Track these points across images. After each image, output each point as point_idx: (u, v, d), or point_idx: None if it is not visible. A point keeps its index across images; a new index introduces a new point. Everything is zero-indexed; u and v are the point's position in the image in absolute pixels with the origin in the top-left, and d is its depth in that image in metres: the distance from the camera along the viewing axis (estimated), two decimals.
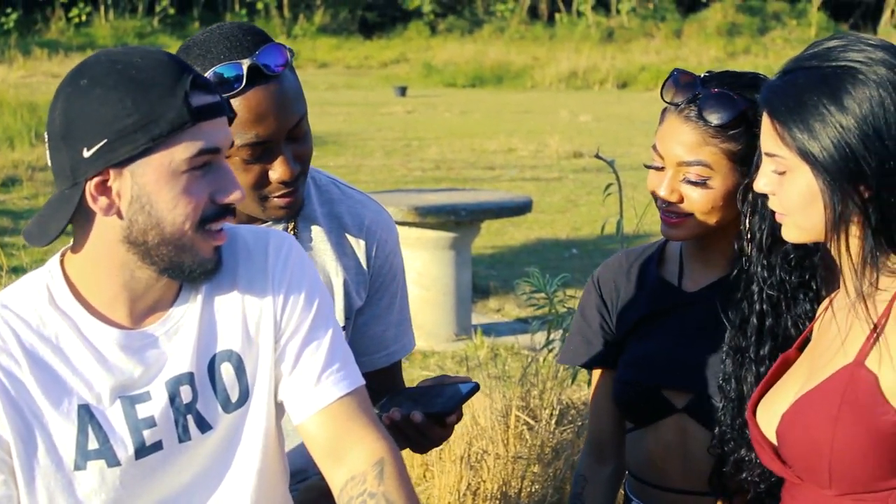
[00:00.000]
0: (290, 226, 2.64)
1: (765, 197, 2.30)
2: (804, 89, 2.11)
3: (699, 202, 2.55)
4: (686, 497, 2.68)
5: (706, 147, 2.53)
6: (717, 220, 2.57)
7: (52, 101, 2.07)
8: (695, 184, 2.55)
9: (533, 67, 28.85)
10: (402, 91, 25.41)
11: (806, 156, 2.09)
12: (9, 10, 34.79)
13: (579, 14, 36.60)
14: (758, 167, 2.30)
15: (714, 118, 2.52)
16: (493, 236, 10.67)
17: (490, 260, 10.38)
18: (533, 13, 38.04)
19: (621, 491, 2.90)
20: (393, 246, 2.75)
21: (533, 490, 4.88)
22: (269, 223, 2.59)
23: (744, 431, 2.47)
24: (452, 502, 4.79)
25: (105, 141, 1.99)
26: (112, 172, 2.02)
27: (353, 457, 2.16)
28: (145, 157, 2.02)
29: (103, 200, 2.03)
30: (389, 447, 2.18)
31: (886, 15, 34.40)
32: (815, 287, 2.45)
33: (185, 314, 2.16)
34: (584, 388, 5.73)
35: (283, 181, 2.50)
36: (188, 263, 2.09)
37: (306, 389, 2.18)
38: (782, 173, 2.14)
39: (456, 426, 2.59)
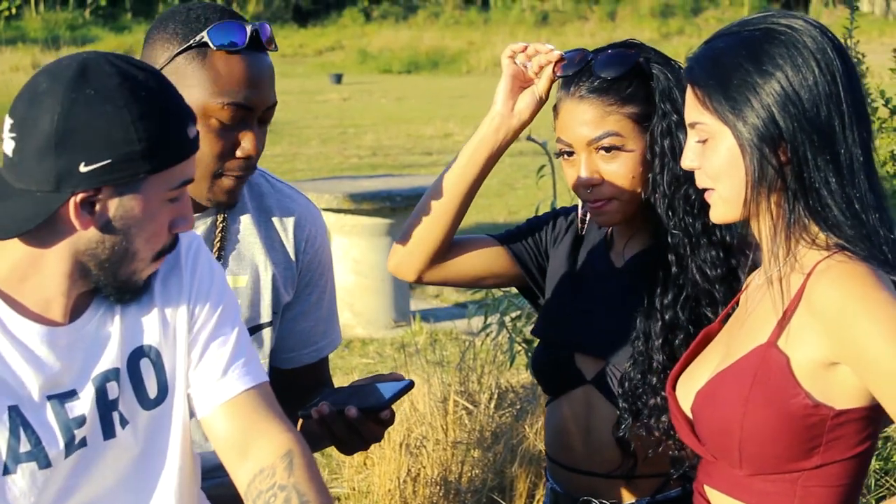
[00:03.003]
0: (220, 218, 2.60)
1: (670, 142, 2.40)
2: (723, 52, 2.10)
3: (620, 173, 2.53)
4: (590, 479, 2.65)
5: (609, 117, 2.52)
6: (639, 190, 2.56)
7: (35, 95, 1.98)
8: (610, 156, 2.53)
9: (468, 52, 28.86)
10: (338, 78, 25.34)
11: (725, 118, 2.07)
12: None
13: None
14: (660, 119, 2.41)
15: (609, 73, 2.51)
16: None
17: None
18: None
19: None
20: (322, 241, 2.73)
21: (473, 475, 4.89)
22: (204, 213, 2.57)
23: (654, 386, 2.51)
24: (393, 489, 4.78)
25: (108, 161, 1.95)
26: (104, 192, 1.98)
27: (259, 450, 2.13)
28: (139, 184, 1.99)
29: (85, 216, 1.98)
30: (296, 439, 2.16)
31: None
32: (721, 234, 2.50)
33: (109, 309, 2.13)
34: (523, 371, 5.74)
35: (247, 156, 2.48)
36: (124, 282, 2.08)
37: (212, 382, 2.16)
38: (705, 142, 2.11)
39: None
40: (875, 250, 2.04)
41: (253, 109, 2.47)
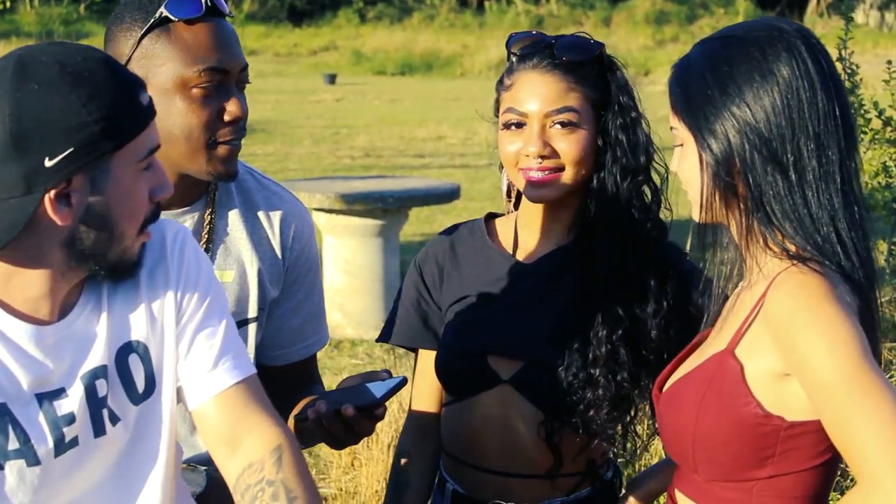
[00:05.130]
0: (208, 212, 2.61)
1: (627, 137, 2.53)
2: (692, 61, 2.13)
3: (572, 149, 2.55)
4: (506, 479, 2.64)
5: (570, 94, 2.55)
6: (583, 173, 2.58)
7: None
8: (565, 131, 2.55)
9: (462, 55, 28.84)
10: (332, 79, 25.32)
11: (689, 127, 2.11)
12: None
13: (509, 2, 36.62)
14: (618, 112, 2.55)
15: (575, 55, 2.55)
16: (422, 224, 10.64)
17: (419, 247, 10.25)
18: (462, 1, 38.02)
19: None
20: (309, 237, 2.74)
21: None
22: (191, 208, 2.57)
23: (594, 379, 2.53)
24: (380, 490, 4.78)
25: (71, 150, 1.93)
26: (76, 181, 1.96)
27: (249, 444, 2.13)
28: (106, 164, 1.98)
29: (63, 209, 1.97)
30: (286, 434, 2.16)
31: (812, 4, 34.71)
32: (654, 234, 2.61)
33: (95, 306, 2.12)
34: None
35: (235, 118, 2.50)
36: (116, 262, 2.07)
37: (201, 374, 2.16)
38: (681, 146, 2.15)
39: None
40: (833, 260, 2.05)
41: (229, 72, 2.50)
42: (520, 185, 2.60)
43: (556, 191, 2.58)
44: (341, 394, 2.49)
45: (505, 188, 2.76)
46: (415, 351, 2.81)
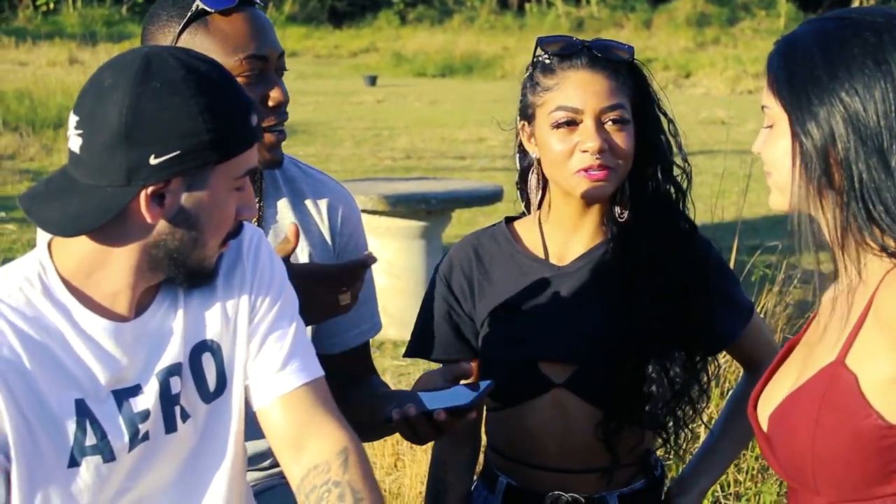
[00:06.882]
0: (256, 201, 2.64)
1: (666, 139, 2.54)
2: (801, 39, 2.03)
3: (625, 145, 2.57)
4: (562, 475, 2.65)
5: (619, 91, 2.58)
6: (628, 172, 2.60)
7: (102, 90, 1.99)
8: (617, 128, 2.56)
9: (503, 57, 28.80)
10: (372, 80, 25.33)
11: (786, 108, 2.00)
12: None
13: (549, 4, 36.56)
14: (655, 115, 2.56)
15: (613, 55, 2.58)
16: (464, 226, 10.62)
17: None
18: (503, 3, 37.97)
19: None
20: (356, 223, 2.77)
21: None
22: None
23: (645, 376, 2.55)
24: (424, 491, 4.78)
25: (178, 153, 1.97)
26: (174, 183, 2.00)
27: (315, 446, 2.15)
28: (206, 173, 2.02)
29: (155, 208, 2.01)
30: (351, 437, 2.18)
31: (855, 4, 34.54)
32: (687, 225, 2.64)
33: (172, 304, 2.15)
34: None
35: (279, 103, 2.55)
36: (195, 269, 2.11)
37: (269, 375, 2.18)
38: (771, 127, 2.06)
39: None
40: None
41: (268, 59, 2.55)
42: (569, 183, 2.59)
43: (611, 187, 2.59)
44: (430, 397, 2.47)
45: (526, 191, 2.74)
46: (442, 363, 2.80)
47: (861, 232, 1.96)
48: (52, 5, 35.50)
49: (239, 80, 2.47)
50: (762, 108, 2.10)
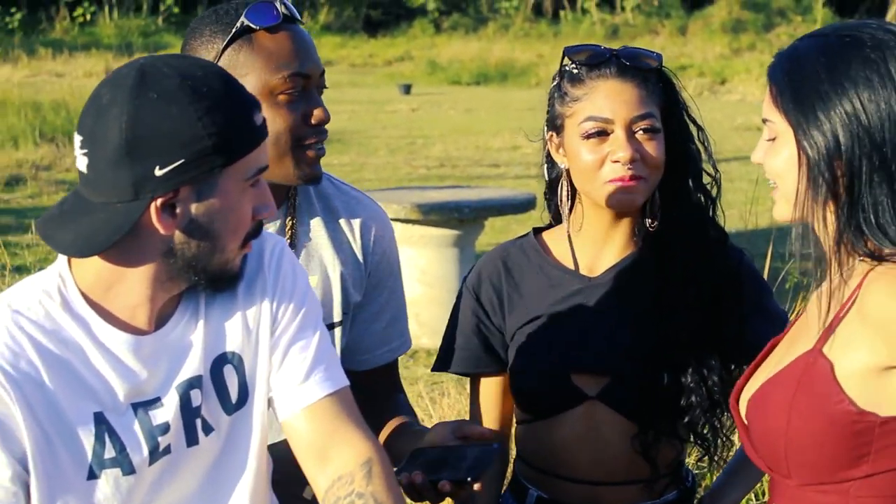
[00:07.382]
0: (290, 219, 2.63)
1: (695, 148, 2.55)
2: (804, 54, 2.08)
3: (657, 154, 2.55)
4: (595, 487, 2.63)
5: (649, 100, 2.56)
6: (658, 181, 2.58)
7: (100, 107, 1.99)
8: (648, 137, 2.55)
9: (538, 65, 28.78)
10: (407, 89, 25.37)
11: (790, 121, 2.05)
12: (13, 10, 34.74)
13: (584, 11, 36.55)
14: (683, 124, 2.56)
15: (642, 63, 2.56)
16: (497, 234, 10.63)
17: None
18: (537, 10, 37.97)
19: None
20: (389, 241, 2.75)
21: None
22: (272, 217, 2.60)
23: (683, 387, 2.56)
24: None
25: (182, 161, 1.96)
26: (183, 192, 2.00)
27: (339, 457, 2.14)
28: (215, 178, 2.01)
29: (167, 219, 2.00)
30: (376, 447, 2.17)
31: (893, 10, 34.33)
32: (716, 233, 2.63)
33: (192, 316, 2.14)
34: None
35: (320, 121, 2.55)
36: (218, 274, 2.10)
37: (293, 386, 2.17)
38: (773, 139, 2.11)
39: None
40: None
41: (310, 77, 2.55)
42: (600, 194, 2.57)
43: (643, 197, 2.57)
44: (438, 457, 2.45)
45: (554, 202, 2.72)
46: (471, 376, 2.78)
47: (854, 241, 2.04)
48: (88, 16, 35.72)
49: (281, 97, 2.50)
50: (763, 121, 2.14)
